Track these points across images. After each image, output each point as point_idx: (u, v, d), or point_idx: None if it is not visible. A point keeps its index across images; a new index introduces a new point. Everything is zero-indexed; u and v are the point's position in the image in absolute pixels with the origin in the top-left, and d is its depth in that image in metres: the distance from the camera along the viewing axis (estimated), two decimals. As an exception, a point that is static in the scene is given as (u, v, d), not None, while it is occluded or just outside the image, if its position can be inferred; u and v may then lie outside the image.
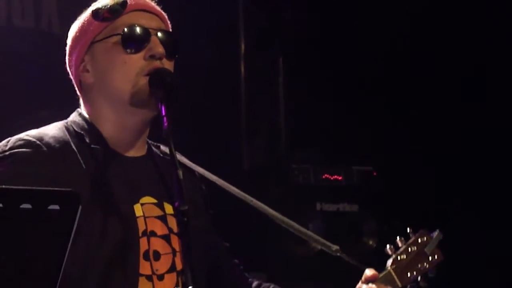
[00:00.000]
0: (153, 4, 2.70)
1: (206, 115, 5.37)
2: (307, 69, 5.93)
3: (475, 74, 5.74)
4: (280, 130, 6.11)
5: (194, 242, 2.34)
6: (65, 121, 2.69)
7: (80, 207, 1.79)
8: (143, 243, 2.53)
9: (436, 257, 2.88)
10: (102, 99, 2.64)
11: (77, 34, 2.68)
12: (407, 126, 5.81)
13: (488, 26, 5.67)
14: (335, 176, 5.45)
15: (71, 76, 2.73)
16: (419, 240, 2.87)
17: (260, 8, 6.06)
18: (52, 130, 2.61)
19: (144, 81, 2.55)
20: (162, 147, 2.76)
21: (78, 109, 2.72)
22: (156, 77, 2.54)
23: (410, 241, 2.87)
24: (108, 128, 2.64)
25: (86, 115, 2.67)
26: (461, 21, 5.74)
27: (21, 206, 1.73)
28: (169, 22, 2.74)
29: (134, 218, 2.53)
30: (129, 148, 2.66)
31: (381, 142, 5.70)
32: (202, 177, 2.83)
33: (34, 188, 1.78)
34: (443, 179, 5.74)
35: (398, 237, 2.87)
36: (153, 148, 2.76)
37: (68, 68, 2.73)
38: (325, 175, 5.42)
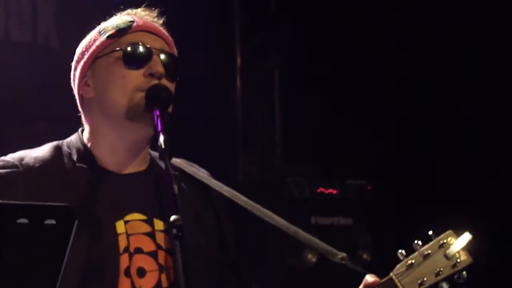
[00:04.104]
0: (160, 27, 2.74)
1: (201, 128, 5.39)
2: (303, 83, 5.96)
3: (471, 89, 5.77)
4: (275, 144, 6.14)
5: (192, 258, 2.36)
6: (63, 140, 2.73)
7: (76, 221, 1.82)
8: (123, 260, 2.53)
9: (459, 260, 2.55)
10: (100, 113, 2.67)
11: (83, 50, 2.72)
12: (402, 140, 5.84)
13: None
14: (330, 190, 5.47)
15: (74, 92, 2.76)
16: (440, 242, 2.57)
17: (256, 22, 6.09)
18: (39, 151, 2.66)
19: (140, 96, 2.58)
20: (174, 160, 2.76)
21: (80, 128, 2.75)
22: (152, 92, 2.57)
23: (429, 244, 2.58)
24: (103, 146, 2.66)
25: (83, 134, 2.71)
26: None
27: (18, 221, 1.75)
28: (174, 47, 2.77)
29: (115, 235, 2.54)
30: (123, 166, 2.67)
31: (375, 156, 5.72)
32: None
33: (30, 203, 1.80)
34: (439, 192, 5.75)
35: (415, 241, 2.58)
36: (158, 162, 2.74)
37: (72, 83, 2.77)
38: (320, 188, 5.44)
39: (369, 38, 5.81)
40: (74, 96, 2.77)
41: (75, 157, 2.63)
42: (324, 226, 5.37)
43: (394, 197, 5.66)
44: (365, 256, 5.41)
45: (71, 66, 2.77)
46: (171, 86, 2.65)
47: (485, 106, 5.69)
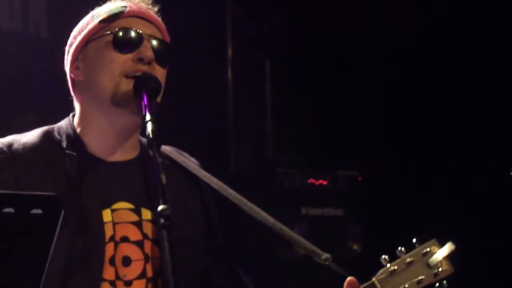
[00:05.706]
0: (153, 14, 2.74)
1: (193, 119, 5.39)
2: (293, 75, 5.97)
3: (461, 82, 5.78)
4: (266, 135, 6.15)
5: (179, 248, 2.36)
6: (53, 125, 2.72)
7: (63, 211, 1.82)
8: (109, 248, 2.53)
9: (441, 269, 2.61)
10: (89, 97, 2.66)
11: (76, 33, 2.72)
12: (393, 131, 5.85)
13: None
14: (320, 181, 5.48)
15: (67, 76, 2.76)
16: (424, 251, 2.62)
17: (247, 14, 6.09)
18: (29, 136, 2.65)
19: (125, 82, 2.57)
20: (164, 148, 2.76)
21: (72, 113, 2.75)
22: (140, 81, 2.56)
23: (412, 251, 2.63)
24: (93, 132, 2.66)
25: (74, 120, 2.70)
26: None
27: (4, 210, 1.75)
28: (167, 34, 2.77)
29: (101, 224, 2.53)
30: (113, 153, 2.67)
31: (366, 147, 5.73)
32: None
33: (17, 192, 1.80)
34: (429, 183, 5.76)
35: (399, 247, 2.62)
36: (149, 150, 2.75)
37: (65, 67, 2.76)
38: (311, 179, 5.45)
39: (361, 29, 5.81)
40: (64, 85, 2.77)
41: (64, 144, 2.63)
42: (315, 217, 5.39)
43: (385, 188, 5.67)
44: (355, 247, 5.43)
45: (64, 51, 2.77)
46: (162, 71, 2.65)
47: (484, 106, 5.70)
